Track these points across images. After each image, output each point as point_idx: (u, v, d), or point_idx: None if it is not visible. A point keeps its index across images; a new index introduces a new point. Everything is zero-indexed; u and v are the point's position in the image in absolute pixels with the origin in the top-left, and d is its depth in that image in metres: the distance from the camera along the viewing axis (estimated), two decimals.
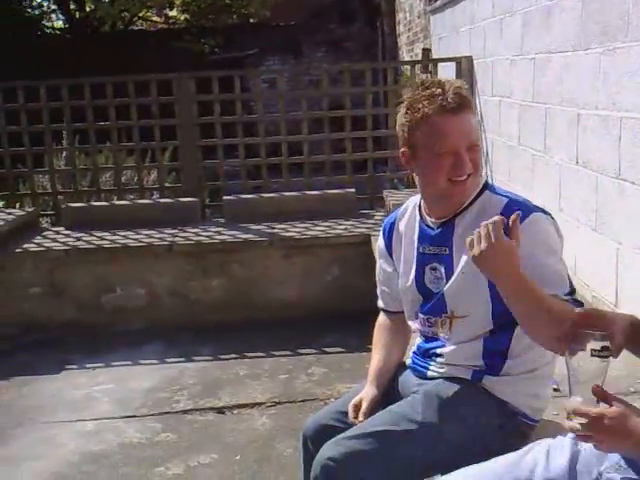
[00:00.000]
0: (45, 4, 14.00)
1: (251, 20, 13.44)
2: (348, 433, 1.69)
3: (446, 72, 5.14)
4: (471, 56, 4.98)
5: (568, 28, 3.15)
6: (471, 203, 1.69)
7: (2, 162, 5.23)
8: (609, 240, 2.85)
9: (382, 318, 1.99)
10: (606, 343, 1.22)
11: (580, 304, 1.57)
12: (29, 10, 13.41)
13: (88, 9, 13.45)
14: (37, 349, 4.30)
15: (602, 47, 2.81)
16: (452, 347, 1.73)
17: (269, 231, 4.67)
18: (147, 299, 4.60)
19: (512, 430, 1.68)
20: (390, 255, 1.87)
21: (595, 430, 1.17)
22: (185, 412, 3.43)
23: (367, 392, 1.83)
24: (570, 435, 1.42)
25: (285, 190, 5.21)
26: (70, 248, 4.56)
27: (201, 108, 5.23)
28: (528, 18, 3.68)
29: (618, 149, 2.73)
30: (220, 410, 3.43)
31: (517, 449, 1.54)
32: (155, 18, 15.05)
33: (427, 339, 1.81)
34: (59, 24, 14.89)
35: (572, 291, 1.60)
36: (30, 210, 5.19)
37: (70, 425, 3.39)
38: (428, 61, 5.83)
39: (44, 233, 4.94)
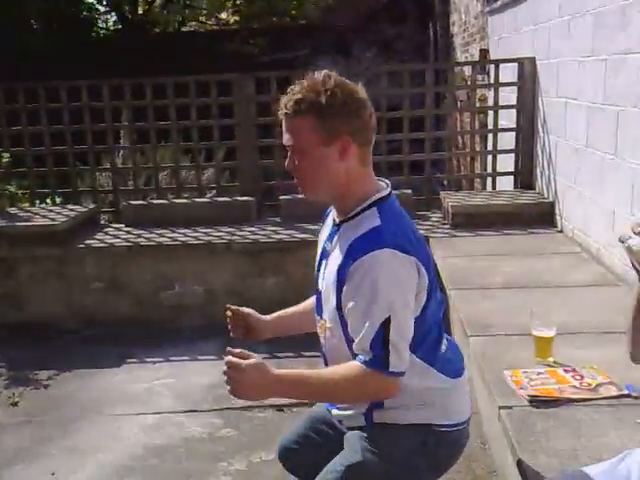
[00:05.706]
0: (100, 7, 14.29)
1: (301, 22, 13.48)
2: None
3: (506, 73, 5.06)
4: (534, 57, 4.88)
5: None
6: (359, 213, 1.61)
7: (64, 160, 5.33)
8: None
9: None
10: None
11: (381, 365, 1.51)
12: (84, 13, 13.70)
13: (141, 11, 13.69)
14: (98, 343, 4.39)
15: None
16: (330, 362, 1.70)
17: None
18: (205, 296, 4.65)
19: (437, 442, 1.65)
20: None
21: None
22: (245, 409, 3.45)
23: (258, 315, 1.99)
24: None
25: None
26: (132, 245, 4.63)
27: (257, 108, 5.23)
28: (600, 18, 3.59)
29: None
30: (279, 408, 3.44)
31: (454, 458, 1.71)
32: (206, 20, 15.22)
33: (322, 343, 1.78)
34: (110, 26, 15.19)
35: (383, 341, 1.48)
36: (92, 207, 5.27)
37: (132, 418, 3.45)
38: (488, 62, 5.74)
39: (105, 230, 5.03)
